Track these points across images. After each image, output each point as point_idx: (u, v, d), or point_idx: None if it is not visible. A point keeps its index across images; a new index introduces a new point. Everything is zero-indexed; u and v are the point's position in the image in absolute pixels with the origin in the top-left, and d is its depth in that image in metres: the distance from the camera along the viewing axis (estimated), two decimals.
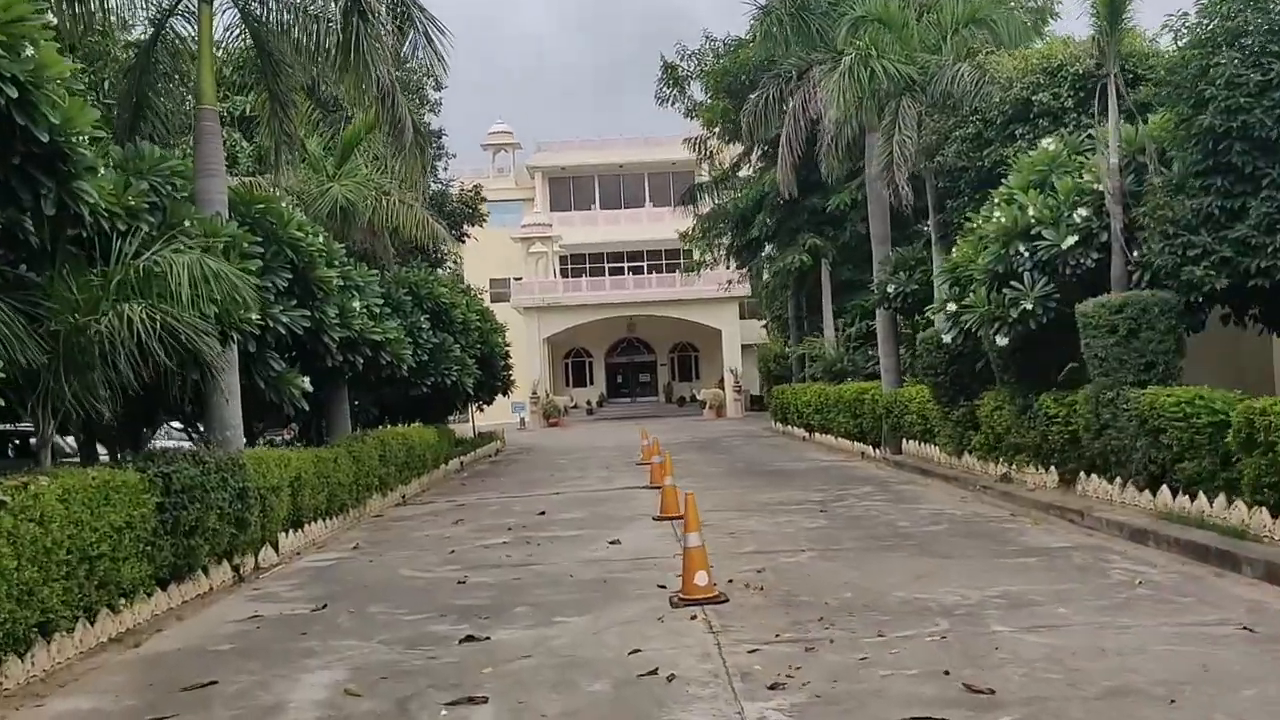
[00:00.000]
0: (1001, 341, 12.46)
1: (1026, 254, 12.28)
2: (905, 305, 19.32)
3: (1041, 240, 12.08)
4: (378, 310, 15.98)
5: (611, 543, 11.50)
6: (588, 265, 55.97)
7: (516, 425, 46.67)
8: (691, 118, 31.75)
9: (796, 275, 28.98)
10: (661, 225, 54.76)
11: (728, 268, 40.26)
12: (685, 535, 8.34)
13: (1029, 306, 12.08)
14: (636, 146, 56.67)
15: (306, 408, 13.04)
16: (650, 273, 52.13)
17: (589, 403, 53.60)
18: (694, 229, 34.38)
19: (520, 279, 49.96)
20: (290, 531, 12.39)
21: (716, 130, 31.82)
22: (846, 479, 17.41)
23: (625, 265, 55.28)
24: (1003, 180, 14.46)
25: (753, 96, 22.45)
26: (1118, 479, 11.02)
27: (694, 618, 7.69)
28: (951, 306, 13.37)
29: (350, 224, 16.86)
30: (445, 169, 32.23)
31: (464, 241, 32.73)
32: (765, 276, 35.74)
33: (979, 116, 16.06)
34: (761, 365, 37.15)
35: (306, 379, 12.95)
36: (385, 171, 18.10)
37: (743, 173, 32.87)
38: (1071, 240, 11.78)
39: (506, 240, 53.33)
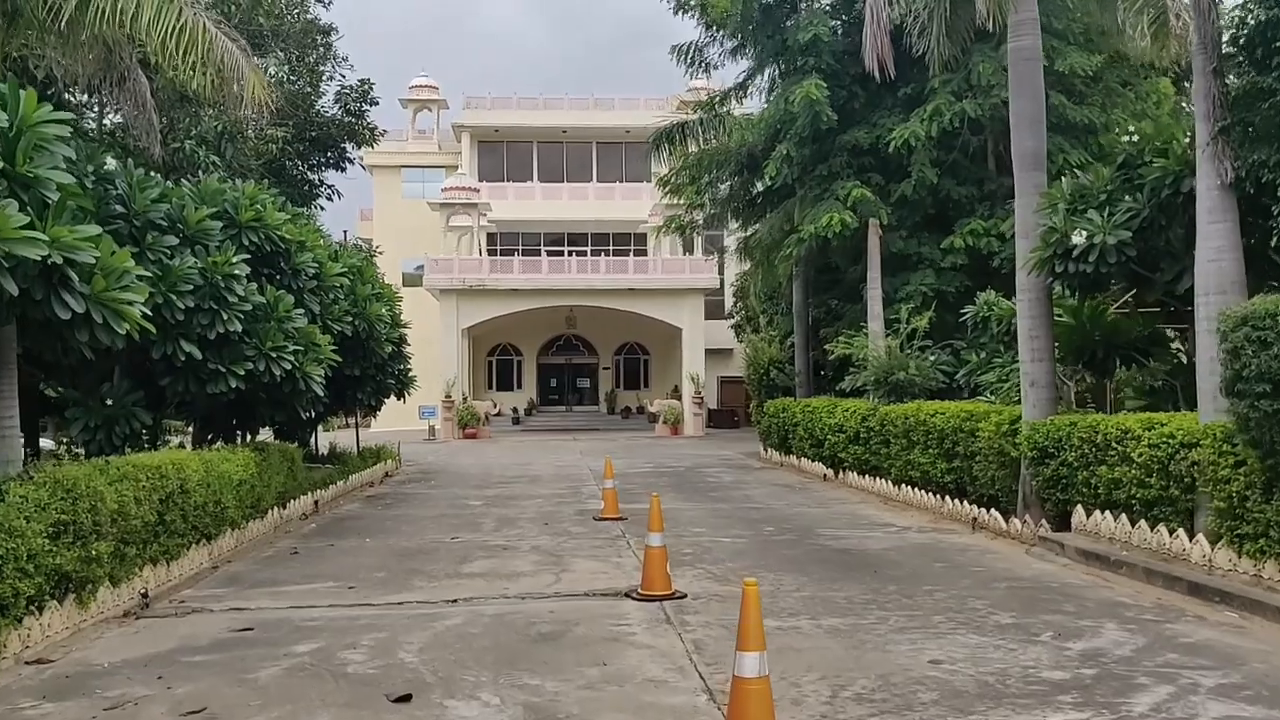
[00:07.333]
0: None
1: None
2: (1100, 273, 10.74)
3: None
4: (54, 200, 7.02)
5: None
6: (520, 246, 46.87)
7: (424, 435, 37.52)
8: (683, 12, 22.75)
9: (820, 245, 20.26)
10: (611, 204, 46.18)
11: (723, 226, 30.70)
12: None
13: None
14: (584, 109, 47.70)
15: None
16: (598, 256, 43.12)
17: (515, 410, 44.50)
18: (675, 173, 25.31)
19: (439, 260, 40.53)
20: None
21: (721, 34, 22.82)
22: (1023, 595, 8.83)
23: (566, 249, 46.28)
24: None
25: None
26: None
27: None
28: None
29: None
30: (333, 75, 23.25)
31: (343, 169, 23.62)
32: (744, 263, 27.06)
33: None
34: (752, 373, 28.35)
35: None
36: None
37: (739, 110, 24.15)
38: None
39: (426, 213, 44.14)
